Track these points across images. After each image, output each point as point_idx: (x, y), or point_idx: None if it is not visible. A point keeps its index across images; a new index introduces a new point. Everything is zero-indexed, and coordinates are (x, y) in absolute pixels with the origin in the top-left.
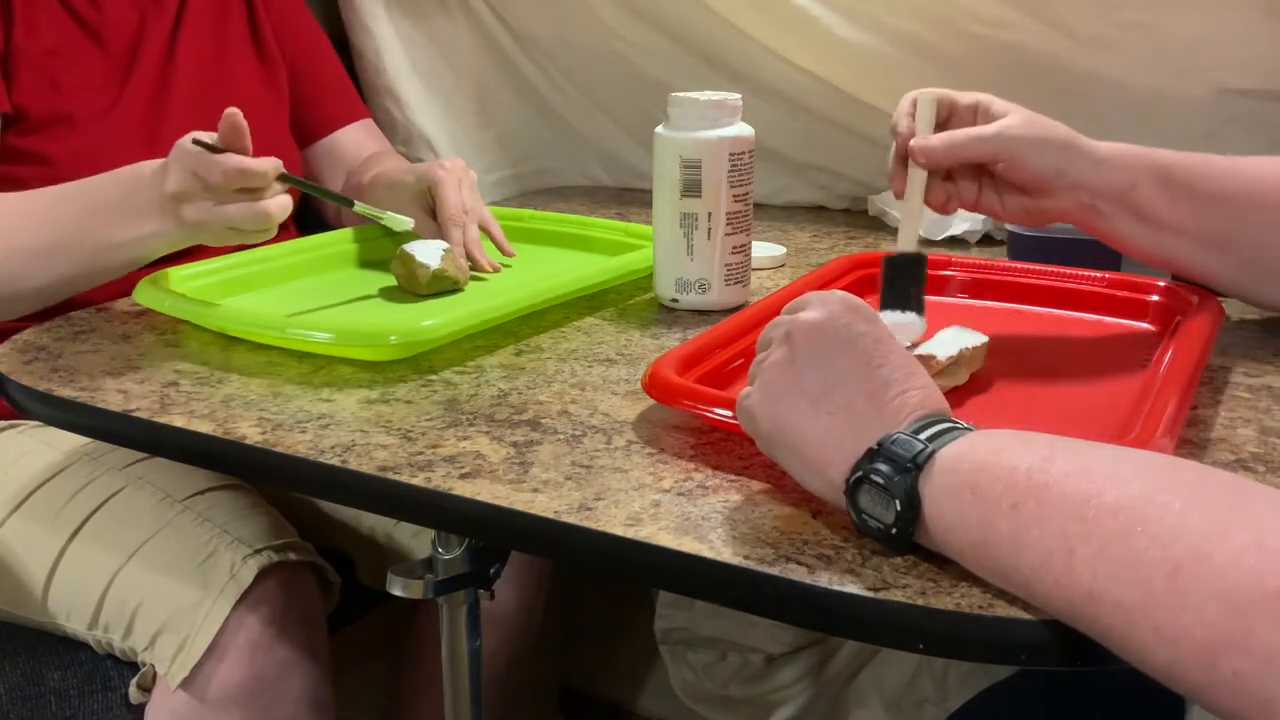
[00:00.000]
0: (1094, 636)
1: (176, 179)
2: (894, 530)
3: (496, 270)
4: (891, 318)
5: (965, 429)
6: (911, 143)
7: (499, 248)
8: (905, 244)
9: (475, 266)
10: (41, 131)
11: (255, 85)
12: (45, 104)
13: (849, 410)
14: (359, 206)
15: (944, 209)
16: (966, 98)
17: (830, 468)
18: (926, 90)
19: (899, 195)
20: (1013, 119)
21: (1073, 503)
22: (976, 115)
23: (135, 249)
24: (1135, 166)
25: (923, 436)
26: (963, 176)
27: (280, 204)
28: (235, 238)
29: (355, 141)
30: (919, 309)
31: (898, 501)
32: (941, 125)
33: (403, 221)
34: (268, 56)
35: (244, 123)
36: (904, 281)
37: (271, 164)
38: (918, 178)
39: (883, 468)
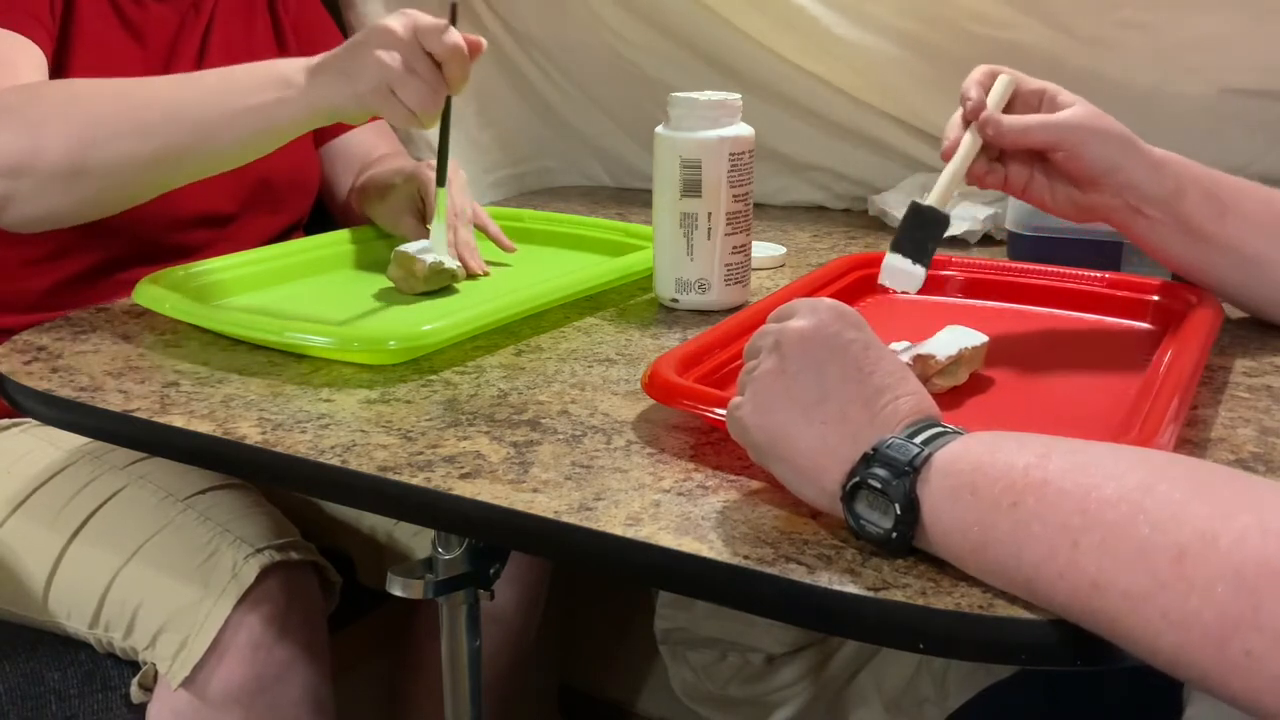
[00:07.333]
0: (1099, 629)
1: (397, 20)
2: (893, 535)
3: (487, 274)
4: (897, 261)
5: (957, 432)
6: (984, 114)
7: (498, 244)
8: (937, 201)
9: (466, 269)
10: None
11: None
12: None
13: (842, 418)
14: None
15: (981, 182)
16: (1033, 83)
17: (825, 475)
18: (1004, 68)
19: (946, 157)
20: (1080, 109)
21: (1072, 497)
22: (1041, 102)
23: (253, 119)
24: (1185, 175)
25: (917, 440)
26: (1016, 161)
27: (436, 114)
28: (379, 106)
29: (366, 142)
30: (925, 264)
31: (896, 506)
32: (1004, 106)
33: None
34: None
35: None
36: (923, 234)
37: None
38: (970, 144)
39: (880, 472)
